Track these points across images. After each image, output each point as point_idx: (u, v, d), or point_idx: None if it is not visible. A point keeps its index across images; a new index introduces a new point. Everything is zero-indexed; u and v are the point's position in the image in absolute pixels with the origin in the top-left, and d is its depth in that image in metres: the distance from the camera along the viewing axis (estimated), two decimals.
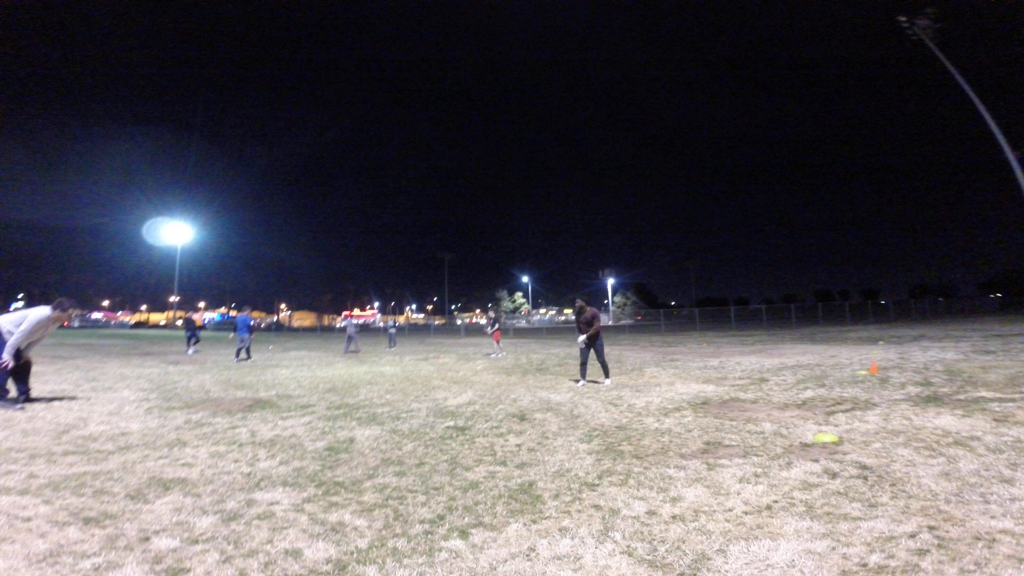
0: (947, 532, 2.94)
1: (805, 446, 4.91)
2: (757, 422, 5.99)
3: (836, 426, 5.66)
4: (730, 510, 3.39)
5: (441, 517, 3.35)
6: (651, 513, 3.36)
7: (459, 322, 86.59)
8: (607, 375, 9.73)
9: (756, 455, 4.64)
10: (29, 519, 3.17)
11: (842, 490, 3.71)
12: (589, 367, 10.05)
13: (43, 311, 7.27)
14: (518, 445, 5.24)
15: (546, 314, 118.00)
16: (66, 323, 7.54)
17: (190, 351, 20.24)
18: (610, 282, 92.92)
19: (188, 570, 2.59)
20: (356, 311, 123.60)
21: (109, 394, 8.55)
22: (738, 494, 3.68)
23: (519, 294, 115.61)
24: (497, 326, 19.44)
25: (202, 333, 21.63)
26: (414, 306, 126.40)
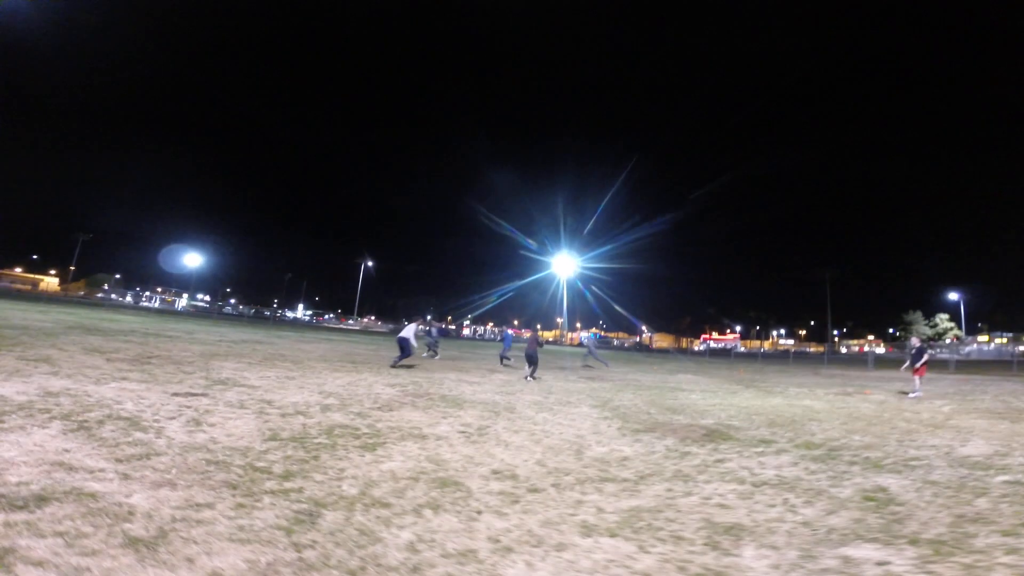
0: None
1: None
2: None
3: None
4: None
5: None
6: None
7: (867, 349, 78.81)
8: None
9: None
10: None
11: None
12: None
13: None
14: None
15: (989, 342, 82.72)
16: None
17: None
18: None
19: None
20: (715, 335, 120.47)
21: (569, 409, 9.38)
22: None
23: (943, 315, 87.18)
24: (926, 357, 15.10)
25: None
26: (782, 331, 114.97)
